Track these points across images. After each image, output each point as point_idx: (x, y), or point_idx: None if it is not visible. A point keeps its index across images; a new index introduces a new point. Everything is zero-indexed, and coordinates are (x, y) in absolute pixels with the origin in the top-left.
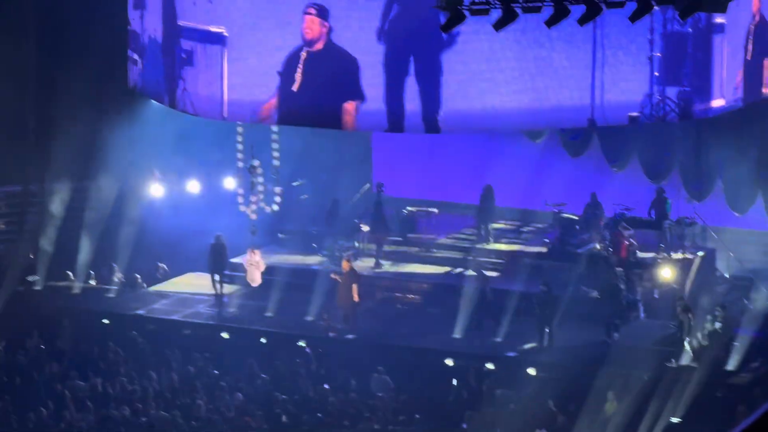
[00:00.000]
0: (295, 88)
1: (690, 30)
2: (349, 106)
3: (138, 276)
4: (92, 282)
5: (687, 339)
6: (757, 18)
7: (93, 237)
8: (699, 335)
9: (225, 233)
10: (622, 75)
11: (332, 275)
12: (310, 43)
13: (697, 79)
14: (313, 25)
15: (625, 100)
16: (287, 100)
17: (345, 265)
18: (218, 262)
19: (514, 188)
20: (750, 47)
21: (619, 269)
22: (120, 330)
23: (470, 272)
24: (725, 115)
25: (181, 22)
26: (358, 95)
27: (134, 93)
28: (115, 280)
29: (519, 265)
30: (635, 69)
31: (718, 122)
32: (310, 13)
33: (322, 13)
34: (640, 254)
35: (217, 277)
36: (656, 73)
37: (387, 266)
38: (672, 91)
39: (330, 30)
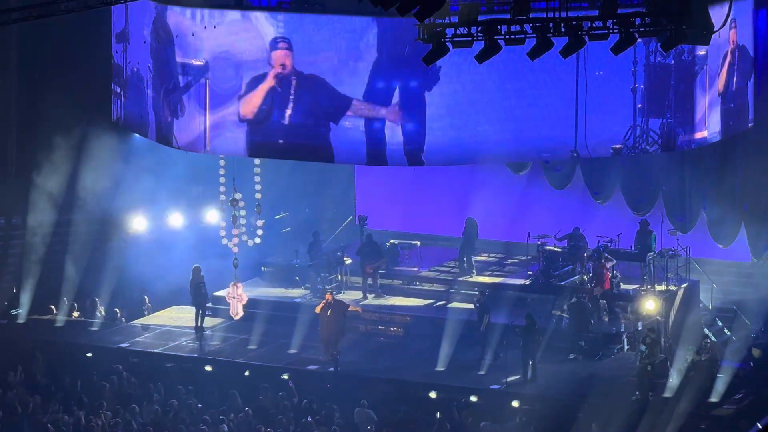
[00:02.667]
0: (275, 119)
1: (672, 62)
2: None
3: (117, 310)
4: (75, 315)
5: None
6: (736, 51)
7: (76, 270)
8: (683, 367)
9: (207, 267)
10: (605, 107)
11: (317, 309)
12: (280, 75)
13: (680, 110)
14: (279, 58)
15: (609, 132)
16: (268, 133)
17: (328, 297)
18: (197, 295)
19: (497, 221)
20: (734, 78)
21: (602, 301)
22: (103, 363)
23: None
24: (708, 146)
25: (163, 56)
26: (337, 117)
27: (117, 126)
28: (98, 313)
29: (502, 298)
30: (618, 101)
31: (702, 154)
32: (279, 48)
33: (289, 45)
34: (624, 286)
35: (200, 310)
36: (639, 105)
37: (370, 299)
38: (655, 123)
39: (295, 60)
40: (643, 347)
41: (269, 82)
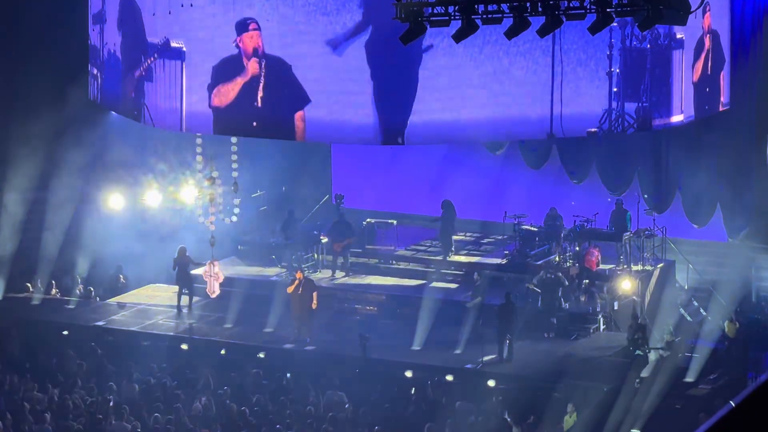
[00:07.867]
0: (251, 100)
1: (648, 46)
2: (299, 114)
3: (91, 288)
4: (52, 293)
5: (646, 351)
6: (711, 35)
7: (53, 248)
8: (659, 347)
9: (184, 244)
10: (581, 90)
11: (289, 289)
12: (252, 56)
13: (656, 94)
14: (252, 40)
15: (584, 115)
16: (243, 112)
17: (299, 275)
18: (183, 275)
19: (474, 200)
20: (709, 62)
21: (585, 281)
22: (79, 341)
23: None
24: (684, 127)
25: (138, 36)
26: (305, 101)
27: (94, 105)
28: (76, 291)
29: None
30: (594, 84)
31: (677, 134)
32: (252, 29)
33: (258, 26)
34: (600, 266)
35: (185, 290)
36: (615, 89)
37: (346, 278)
38: (631, 107)
39: (263, 41)
40: (637, 335)
41: (244, 69)
